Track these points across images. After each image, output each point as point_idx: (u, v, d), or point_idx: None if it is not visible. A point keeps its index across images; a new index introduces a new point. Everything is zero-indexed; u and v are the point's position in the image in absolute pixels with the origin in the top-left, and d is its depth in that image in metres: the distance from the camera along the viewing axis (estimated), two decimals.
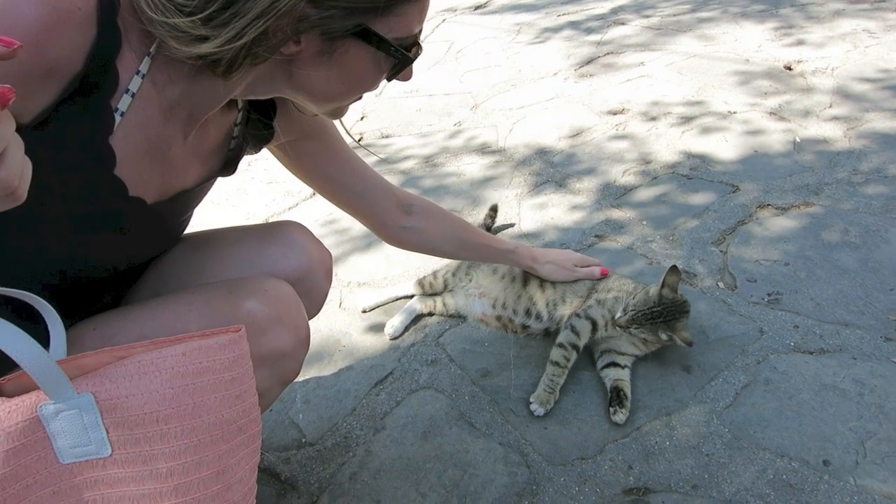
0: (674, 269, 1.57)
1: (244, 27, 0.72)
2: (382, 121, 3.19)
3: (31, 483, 0.69)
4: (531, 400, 1.53)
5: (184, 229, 1.11)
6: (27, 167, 0.57)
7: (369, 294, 1.95)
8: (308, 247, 1.17)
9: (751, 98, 2.90)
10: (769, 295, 1.79)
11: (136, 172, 0.83)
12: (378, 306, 1.93)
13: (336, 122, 1.22)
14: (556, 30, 4.17)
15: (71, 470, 0.70)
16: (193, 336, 0.71)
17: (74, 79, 0.71)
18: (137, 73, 0.77)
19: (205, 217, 2.42)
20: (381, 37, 0.83)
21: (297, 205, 2.54)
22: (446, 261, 1.94)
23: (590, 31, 4.05)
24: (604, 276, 1.72)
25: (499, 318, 1.76)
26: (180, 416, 0.68)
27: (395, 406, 1.59)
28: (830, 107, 2.75)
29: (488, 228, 2.15)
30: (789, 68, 3.15)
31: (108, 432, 0.68)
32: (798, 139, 2.54)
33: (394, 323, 1.82)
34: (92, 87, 0.73)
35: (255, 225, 1.22)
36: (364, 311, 1.92)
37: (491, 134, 2.92)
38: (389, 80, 0.93)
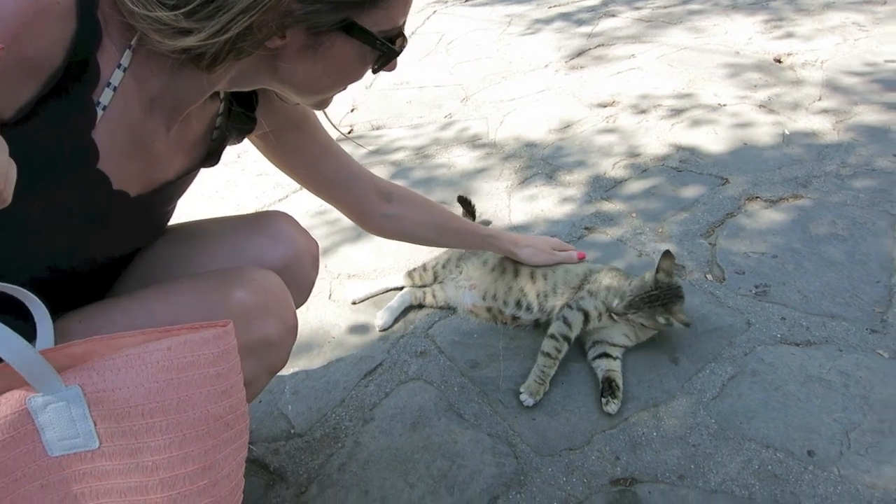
0: (667, 253, 1.59)
1: (229, 22, 0.72)
2: (373, 113, 3.19)
3: (20, 476, 0.69)
4: (521, 390, 1.54)
5: (168, 220, 1.11)
6: (12, 169, 0.57)
7: (359, 286, 1.95)
8: (294, 236, 1.17)
9: (740, 91, 2.91)
10: (757, 287, 1.80)
11: (119, 166, 0.83)
12: (368, 298, 1.93)
13: (323, 119, 1.22)
14: (547, 21, 4.16)
15: (59, 463, 0.70)
16: (181, 329, 0.71)
17: (55, 73, 0.70)
18: (119, 66, 0.77)
19: (195, 209, 2.42)
20: (367, 30, 0.83)
21: (286, 196, 2.53)
22: (436, 253, 1.95)
23: (581, 22, 4.05)
24: (581, 260, 1.77)
25: (489, 309, 1.76)
26: (165, 410, 0.68)
27: (384, 397, 1.60)
28: (819, 99, 2.76)
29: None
30: (779, 61, 3.16)
31: (95, 425, 0.68)
32: (787, 132, 2.55)
33: (383, 314, 1.82)
34: (72, 81, 0.72)
35: (242, 215, 1.22)
36: (354, 303, 1.92)
37: (481, 126, 2.92)
38: (375, 72, 0.93)
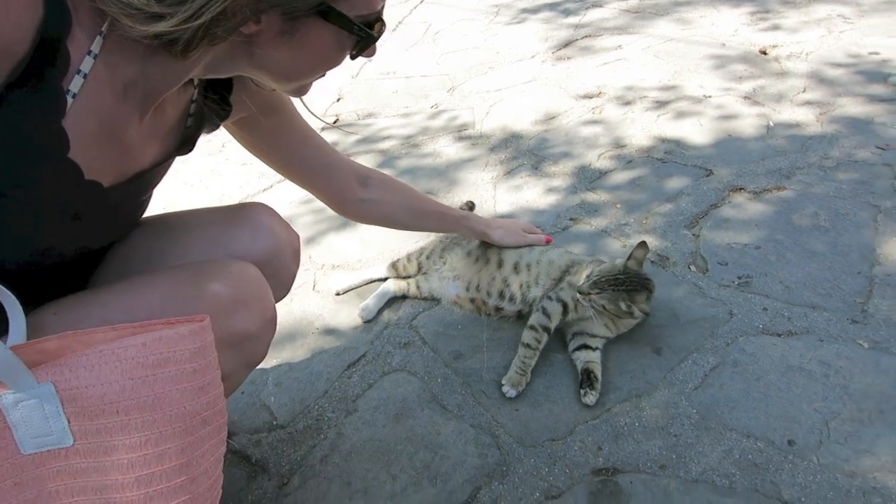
0: (642, 244, 1.61)
1: (201, 6, 0.71)
2: (359, 102, 3.17)
3: None
4: (503, 382, 1.54)
5: (143, 212, 1.09)
6: None
7: (343, 277, 1.94)
8: (275, 229, 1.16)
9: (726, 82, 2.92)
10: (740, 278, 1.81)
11: (91, 155, 0.81)
12: (352, 289, 1.92)
13: (304, 110, 1.21)
14: (534, 11, 4.15)
15: (33, 460, 0.70)
16: (157, 324, 0.71)
17: (21, 61, 0.68)
18: (89, 53, 0.75)
19: (177, 198, 2.40)
20: (344, 15, 0.82)
21: (271, 186, 2.52)
22: (420, 244, 1.94)
23: (568, 13, 4.04)
24: (547, 244, 1.80)
25: (472, 300, 1.76)
26: (140, 407, 0.67)
27: (368, 388, 1.60)
28: (804, 91, 2.77)
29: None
30: (764, 53, 3.16)
31: (69, 422, 0.68)
32: (771, 123, 2.56)
33: (367, 305, 1.81)
34: (40, 69, 0.71)
35: (221, 207, 1.20)
36: (338, 294, 1.91)
37: (468, 116, 2.91)
38: (353, 58, 0.92)
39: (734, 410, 1.45)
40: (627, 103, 2.84)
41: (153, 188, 1.05)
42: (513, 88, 3.12)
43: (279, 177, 2.53)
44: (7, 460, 0.68)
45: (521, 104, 2.94)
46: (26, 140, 0.73)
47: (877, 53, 3.02)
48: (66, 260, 0.94)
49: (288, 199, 2.39)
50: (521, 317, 1.72)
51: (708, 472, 1.32)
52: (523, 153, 2.55)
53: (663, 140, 2.52)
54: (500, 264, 1.75)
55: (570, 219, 2.13)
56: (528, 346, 1.56)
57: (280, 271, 1.16)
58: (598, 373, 1.54)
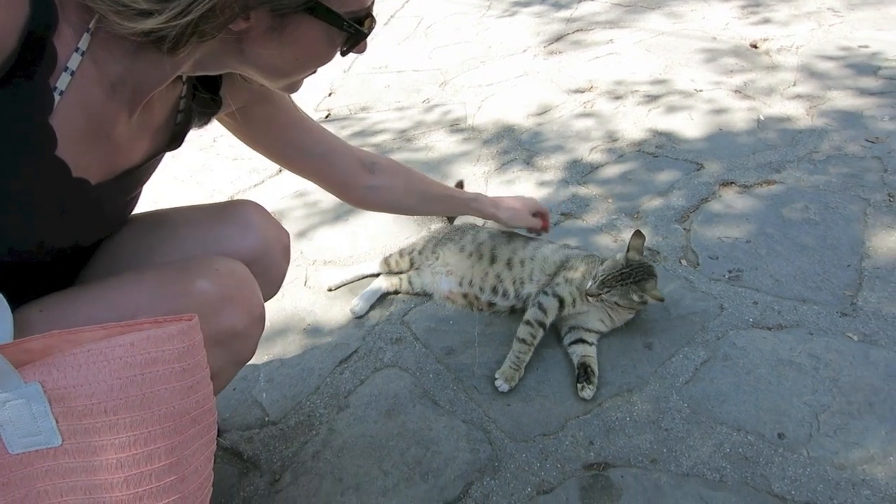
0: (638, 233, 1.62)
1: (190, 3, 0.70)
2: (350, 97, 3.16)
3: None
4: (496, 376, 1.54)
5: (132, 209, 1.08)
6: None
7: (335, 272, 1.94)
8: (264, 226, 1.15)
9: (717, 76, 2.92)
10: (730, 272, 1.82)
11: (79, 153, 0.81)
12: (343, 285, 1.92)
13: (305, 111, 1.19)
14: (526, 4, 4.14)
15: (21, 460, 0.69)
16: (145, 324, 0.70)
17: (8, 59, 0.68)
18: (77, 50, 0.74)
19: (168, 194, 2.38)
20: (333, 11, 0.81)
21: (262, 182, 2.50)
22: (412, 239, 1.94)
23: (559, 6, 4.03)
24: (544, 230, 1.78)
25: (465, 295, 1.76)
26: (129, 407, 0.67)
27: (359, 384, 1.60)
28: (794, 85, 2.78)
29: None
30: (755, 46, 3.17)
31: (57, 422, 0.67)
32: (762, 117, 2.56)
33: (359, 301, 1.81)
34: (28, 66, 0.70)
35: (210, 204, 1.19)
36: (329, 290, 1.91)
37: (460, 111, 2.90)
38: (344, 54, 0.91)
39: (725, 404, 1.45)
40: (619, 97, 2.84)
41: (142, 185, 1.05)
42: (505, 83, 3.11)
43: (271, 172, 2.52)
44: None
45: (514, 98, 2.94)
46: (13, 138, 0.73)
47: (866, 46, 3.03)
48: (57, 257, 0.93)
49: (280, 193, 2.38)
50: (514, 312, 1.72)
51: (699, 465, 1.33)
52: (515, 147, 2.54)
53: (655, 134, 2.52)
54: (493, 260, 1.75)
55: (562, 213, 2.13)
56: (523, 341, 1.57)
57: (269, 269, 1.16)
58: (595, 367, 1.54)
